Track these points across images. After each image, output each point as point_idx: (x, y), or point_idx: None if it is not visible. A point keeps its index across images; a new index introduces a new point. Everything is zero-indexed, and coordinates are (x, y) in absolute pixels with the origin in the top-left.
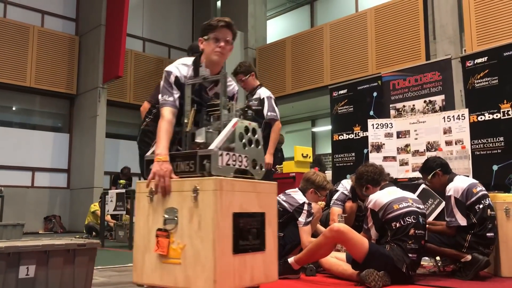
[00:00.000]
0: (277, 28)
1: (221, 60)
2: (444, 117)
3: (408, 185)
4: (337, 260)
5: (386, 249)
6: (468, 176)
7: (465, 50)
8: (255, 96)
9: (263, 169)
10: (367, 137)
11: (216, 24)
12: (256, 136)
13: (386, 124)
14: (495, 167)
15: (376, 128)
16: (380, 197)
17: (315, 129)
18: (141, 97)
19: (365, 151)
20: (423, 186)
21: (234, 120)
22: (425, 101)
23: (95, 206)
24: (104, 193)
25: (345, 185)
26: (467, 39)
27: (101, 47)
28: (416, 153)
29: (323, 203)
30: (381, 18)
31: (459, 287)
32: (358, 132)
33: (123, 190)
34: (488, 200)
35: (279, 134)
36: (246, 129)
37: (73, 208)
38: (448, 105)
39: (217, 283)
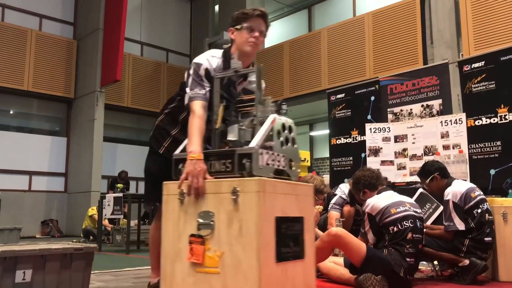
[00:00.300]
0: (275, 33)
1: (254, 52)
2: (441, 122)
3: (405, 189)
4: (335, 264)
5: (383, 253)
6: (465, 180)
7: (462, 54)
8: None
9: (299, 170)
10: (364, 141)
11: (251, 13)
12: (292, 134)
13: (383, 128)
14: (492, 171)
15: (374, 132)
16: (377, 201)
17: (313, 133)
18: (139, 101)
19: (363, 155)
20: (420, 190)
21: (272, 116)
22: (422, 106)
23: (92, 210)
24: (102, 197)
25: (343, 189)
26: (464, 44)
27: (99, 51)
28: (413, 157)
29: (321, 207)
30: (378, 22)
31: None
32: (356, 136)
33: (121, 194)
34: (486, 204)
35: None
36: (283, 127)
37: (70, 212)
38: (446, 109)
39: None
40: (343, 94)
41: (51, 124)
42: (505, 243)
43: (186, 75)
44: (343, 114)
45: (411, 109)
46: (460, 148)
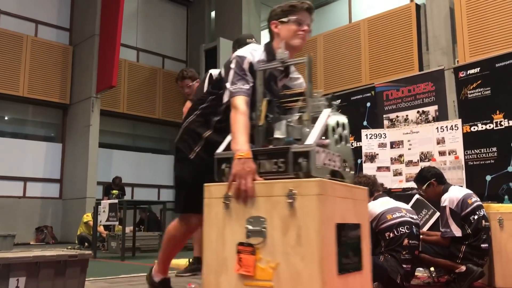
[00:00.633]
0: None
1: (303, 46)
2: (437, 128)
3: (402, 195)
4: None
5: (380, 259)
6: (462, 187)
7: (457, 61)
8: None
9: (352, 172)
10: (361, 147)
11: (300, 6)
12: (345, 131)
13: (379, 135)
14: (488, 178)
15: (370, 138)
16: (373, 207)
17: None
18: (135, 107)
19: (359, 161)
20: (417, 196)
21: (327, 111)
22: (418, 112)
23: (87, 217)
24: (97, 203)
25: None
26: (460, 50)
27: (95, 57)
28: (409, 163)
29: None
30: (374, 29)
31: None
32: (352, 142)
33: (116, 201)
34: (483, 211)
35: None
36: (337, 123)
37: (65, 219)
38: (441, 115)
39: None
40: (339, 100)
41: (47, 130)
42: (501, 249)
43: (223, 70)
44: None
45: (407, 115)
46: (456, 154)
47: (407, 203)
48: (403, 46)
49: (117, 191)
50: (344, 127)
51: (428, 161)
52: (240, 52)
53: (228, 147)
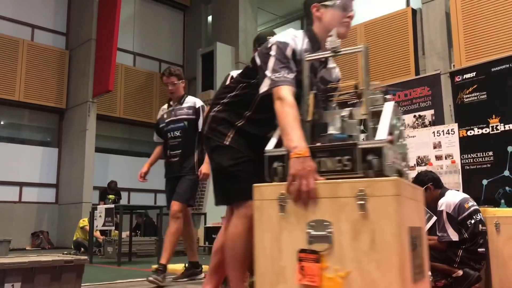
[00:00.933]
0: None
1: (346, 36)
2: (433, 132)
3: None
4: None
5: None
6: (458, 191)
7: (454, 65)
8: (187, 105)
9: (409, 171)
10: None
11: None
12: (402, 127)
13: None
14: (485, 182)
15: None
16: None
17: None
18: (131, 111)
19: None
20: None
21: (391, 104)
22: (414, 116)
23: (83, 222)
24: (93, 208)
25: None
26: (456, 55)
27: (91, 61)
28: None
29: None
30: (370, 33)
31: None
32: None
33: (112, 206)
34: (480, 215)
35: None
36: (398, 118)
37: (61, 224)
38: (438, 119)
39: None
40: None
41: (43, 134)
42: (498, 253)
43: (258, 57)
44: None
45: (403, 120)
46: (452, 158)
47: None
48: (399, 50)
49: (113, 196)
50: (401, 121)
51: (425, 165)
52: (280, 37)
53: (278, 144)
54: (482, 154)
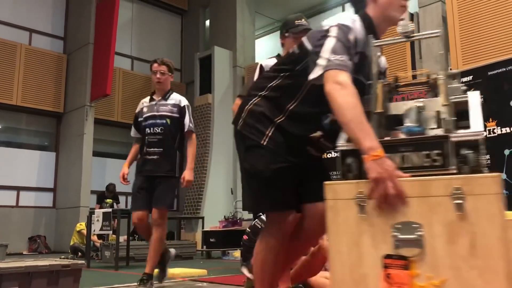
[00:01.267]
0: (266, 48)
1: (399, 20)
2: None
3: None
4: (326, 280)
5: None
6: None
7: (450, 69)
8: (171, 102)
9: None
10: None
11: None
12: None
13: None
14: None
15: None
16: None
17: None
18: (129, 115)
19: None
20: None
21: (477, 94)
22: None
23: (81, 225)
24: (91, 212)
25: None
26: (453, 58)
27: (89, 65)
28: None
29: None
30: None
31: None
32: None
33: (110, 210)
34: None
35: None
36: None
37: (58, 228)
38: None
39: None
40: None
41: (40, 138)
42: None
43: (308, 41)
44: None
45: None
46: None
47: None
48: (396, 53)
49: (111, 200)
50: None
51: None
52: (343, 21)
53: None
54: None
